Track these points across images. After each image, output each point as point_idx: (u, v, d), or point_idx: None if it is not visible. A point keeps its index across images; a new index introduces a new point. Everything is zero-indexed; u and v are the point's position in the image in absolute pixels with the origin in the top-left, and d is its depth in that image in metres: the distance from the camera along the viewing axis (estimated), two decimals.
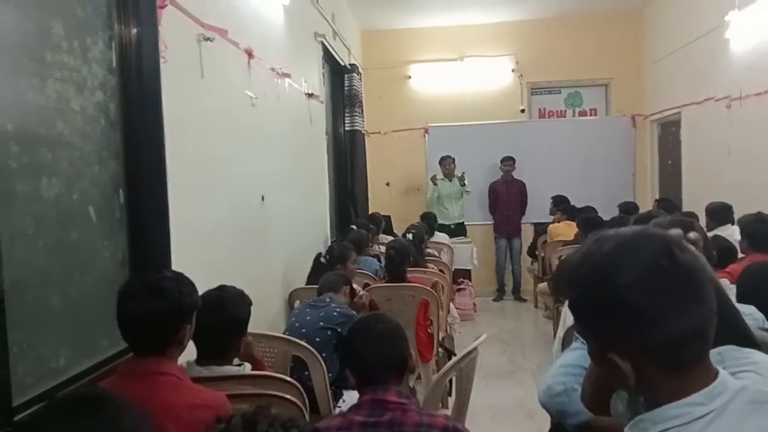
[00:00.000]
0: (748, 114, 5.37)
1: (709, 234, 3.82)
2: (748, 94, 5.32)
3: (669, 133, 7.48)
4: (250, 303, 2.14)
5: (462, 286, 6.85)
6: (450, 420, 1.67)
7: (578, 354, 1.81)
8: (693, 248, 0.96)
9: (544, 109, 8.47)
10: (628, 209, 6.13)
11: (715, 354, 1.04)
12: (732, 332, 1.40)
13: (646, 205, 7.04)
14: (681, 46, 6.73)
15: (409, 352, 1.82)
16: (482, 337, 2.74)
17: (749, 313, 1.77)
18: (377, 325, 1.82)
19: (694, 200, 6.13)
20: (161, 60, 2.33)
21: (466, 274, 6.99)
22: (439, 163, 7.54)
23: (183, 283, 1.72)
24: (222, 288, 2.12)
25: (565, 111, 8.45)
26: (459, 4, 7.27)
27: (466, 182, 7.38)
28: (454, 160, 7.49)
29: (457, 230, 7.43)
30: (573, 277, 0.97)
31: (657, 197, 7.24)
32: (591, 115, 8.36)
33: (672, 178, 7.31)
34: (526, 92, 8.25)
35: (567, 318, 3.17)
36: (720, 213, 4.77)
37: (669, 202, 6.48)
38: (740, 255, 3.68)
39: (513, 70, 8.17)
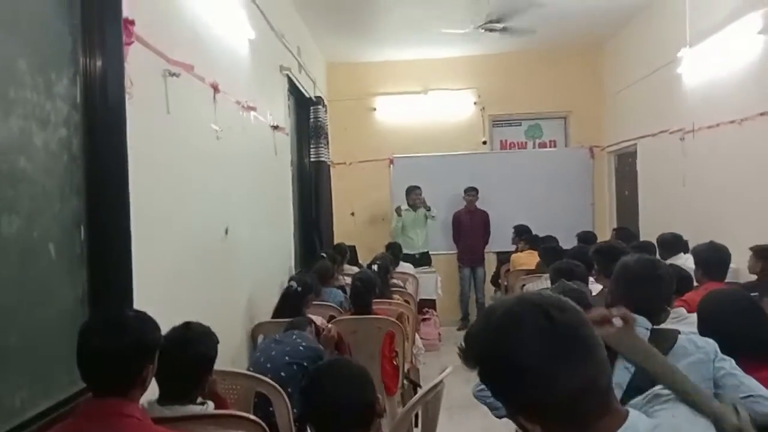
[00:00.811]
0: (701, 146, 5.58)
1: None
2: (700, 126, 5.53)
3: (626, 164, 7.70)
4: (216, 341, 2.12)
5: (427, 316, 6.88)
6: None
7: None
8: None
9: (506, 141, 8.65)
10: (587, 239, 6.27)
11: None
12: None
13: (604, 235, 7.21)
14: (637, 80, 6.99)
15: (376, 397, 1.70)
16: (448, 369, 2.74)
17: (701, 346, 1.82)
18: (342, 370, 1.71)
19: (651, 229, 6.30)
20: (126, 96, 2.33)
21: (430, 303, 7.03)
22: (407, 193, 7.63)
23: (145, 320, 1.70)
24: (187, 326, 2.09)
25: (526, 143, 8.65)
26: (423, 39, 7.43)
27: (431, 209, 7.48)
28: (420, 190, 7.58)
29: (422, 260, 7.49)
30: (472, 352, 1.02)
31: (615, 226, 7.43)
32: (551, 146, 8.58)
33: (629, 207, 7.52)
34: (487, 124, 8.43)
35: None
36: (671, 243, 4.94)
37: (626, 231, 6.65)
38: (695, 284, 3.79)
39: (475, 103, 8.35)
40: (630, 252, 3.63)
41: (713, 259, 3.85)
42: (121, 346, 1.60)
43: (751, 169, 4.79)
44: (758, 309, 2.33)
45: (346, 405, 1.62)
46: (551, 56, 8.23)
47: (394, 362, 3.92)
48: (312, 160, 6.67)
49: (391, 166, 8.15)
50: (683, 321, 2.90)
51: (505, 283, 6.68)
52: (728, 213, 5.09)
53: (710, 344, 1.82)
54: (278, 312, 4.04)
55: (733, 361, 1.79)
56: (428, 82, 8.31)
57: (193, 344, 2.03)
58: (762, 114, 4.58)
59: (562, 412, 0.95)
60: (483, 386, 1.74)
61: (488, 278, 7.80)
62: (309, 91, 6.63)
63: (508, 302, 1.02)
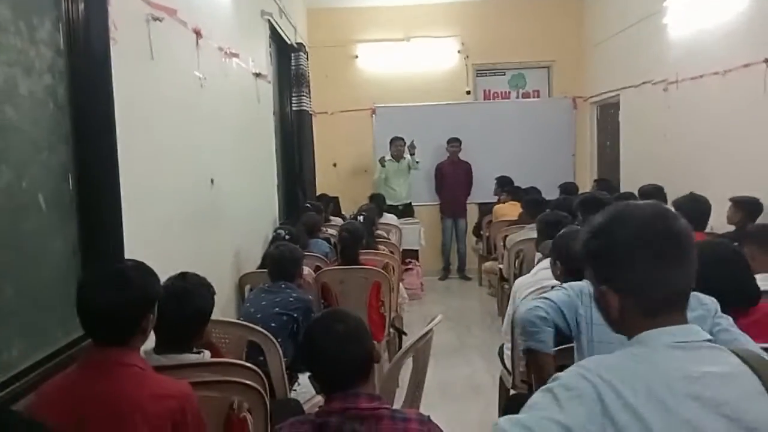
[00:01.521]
0: (684, 97, 5.60)
1: None
2: (684, 78, 5.54)
3: (608, 115, 7.72)
4: (213, 293, 2.12)
5: (410, 266, 6.95)
6: (424, 424, 1.61)
7: (562, 294, 2.21)
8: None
9: (489, 91, 8.58)
10: (569, 190, 6.34)
11: None
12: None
13: (585, 186, 7.28)
14: (620, 30, 6.93)
15: (372, 345, 1.72)
16: (437, 318, 2.78)
17: (705, 303, 1.88)
18: (337, 325, 1.68)
19: (632, 181, 6.37)
20: (111, 41, 2.26)
21: (413, 254, 7.09)
22: (390, 143, 7.58)
23: (146, 272, 1.69)
24: (184, 277, 2.09)
25: (510, 92, 8.60)
26: None
27: (416, 159, 7.47)
28: (404, 141, 7.54)
29: (405, 211, 7.52)
30: (592, 225, 1.24)
31: (596, 178, 7.49)
32: (534, 96, 8.54)
33: (610, 159, 7.57)
34: (471, 74, 8.34)
35: (518, 296, 3.28)
36: (652, 195, 5.00)
37: (607, 182, 6.72)
38: None
39: (459, 52, 8.23)
40: (613, 203, 3.67)
41: (694, 210, 3.90)
42: (123, 300, 1.60)
43: (733, 121, 4.83)
44: (741, 258, 2.40)
45: (347, 359, 1.63)
46: (535, 4, 8.11)
47: (381, 311, 3.97)
48: (294, 109, 6.57)
49: (374, 116, 8.06)
50: None
51: (487, 234, 6.75)
52: (709, 165, 5.15)
53: (713, 302, 1.88)
54: (265, 262, 4.05)
55: (731, 319, 1.86)
56: (411, 29, 8.15)
57: (191, 295, 2.03)
58: (746, 65, 4.59)
59: (646, 299, 1.16)
60: (537, 313, 2.18)
61: (470, 229, 7.86)
62: (290, 38, 6.48)
63: (636, 201, 1.27)
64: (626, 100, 7.01)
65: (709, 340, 1.15)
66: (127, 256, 2.26)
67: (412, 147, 7.49)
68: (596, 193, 5.15)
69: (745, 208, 4.09)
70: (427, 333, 2.54)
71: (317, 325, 1.75)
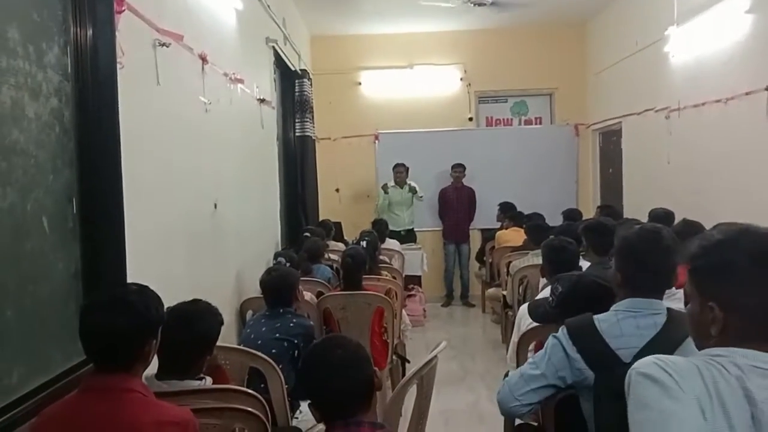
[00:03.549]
0: (686, 124, 5.61)
1: None
2: (686, 105, 5.56)
3: (610, 142, 7.74)
4: (221, 320, 2.11)
5: (412, 293, 6.91)
6: None
7: (554, 355, 2.03)
8: None
9: (492, 118, 8.63)
10: (572, 216, 6.32)
11: None
12: None
13: (588, 212, 7.26)
14: (623, 58, 6.99)
15: (373, 372, 1.68)
16: (442, 344, 2.75)
17: None
18: (337, 351, 1.65)
19: (635, 207, 6.37)
20: (118, 66, 2.27)
21: (416, 280, 7.06)
22: (393, 169, 7.61)
23: (149, 297, 1.67)
24: (194, 302, 2.08)
25: (512, 119, 8.64)
26: (408, 12, 7.34)
27: (418, 190, 7.50)
28: (407, 168, 7.56)
29: (407, 237, 7.50)
30: (708, 241, 1.26)
31: (599, 204, 7.48)
32: (536, 123, 8.58)
33: (613, 185, 7.57)
34: (473, 100, 8.40)
35: (522, 323, 3.24)
36: (662, 219, 4.99)
37: (611, 209, 6.71)
38: None
39: (461, 79, 8.30)
40: (617, 227, 3.66)
41: (689, 236, 3.87)
42: (125, 325, 1.58)
43: (736, 148, 4.84)
44: None
45: (347, 387, 1.61)
46: (537, 33, 8.19)
47: (384, 338, 3.93)
48: (297, 134, 6.60)
49: (376, 142, 8.10)
50: (672, 297, 2.93)
51: (490, 260, 6.72)
52: (712, 191, 5.14)
53: None
54: None
55: None
56: (414, 56, 8.23)
57: (196, 320, 2.02)
58: (747, 93, 4.61)
59: (752, 317, 1.19)
60: (516, 412, 2.07)
61: (473, 255, 7.83)
62: (294, 64, 6.54)
63: (748, 226, 1.28)
64: (628, 128, 7.04)
65: None
66: (129, 279, 2.24)
67: (413, 188, 7.52)
68: (601, 219, 5.13)
69: None
70: (431, 360, 2.51)
71: (316, 351, 1.72)
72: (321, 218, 6.97)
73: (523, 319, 3.18)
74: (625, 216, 6.30)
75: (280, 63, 6.00)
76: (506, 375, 2.29)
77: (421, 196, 7.56)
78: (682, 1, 5.57)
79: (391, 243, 6.62)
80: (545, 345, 2.11)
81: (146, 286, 1.71)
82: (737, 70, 4.83)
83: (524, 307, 3.41)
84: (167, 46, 2.84)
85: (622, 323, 1.99)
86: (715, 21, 5.07)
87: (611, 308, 2.05)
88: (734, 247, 1.22)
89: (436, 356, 2.57)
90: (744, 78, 4.69)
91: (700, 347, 1.27)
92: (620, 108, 7.10)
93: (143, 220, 2.52)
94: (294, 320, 3.16)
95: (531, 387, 2.06)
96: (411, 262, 6.71)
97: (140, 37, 2.62)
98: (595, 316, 2.05)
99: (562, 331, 2.06)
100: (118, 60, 2.29)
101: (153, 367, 2.01)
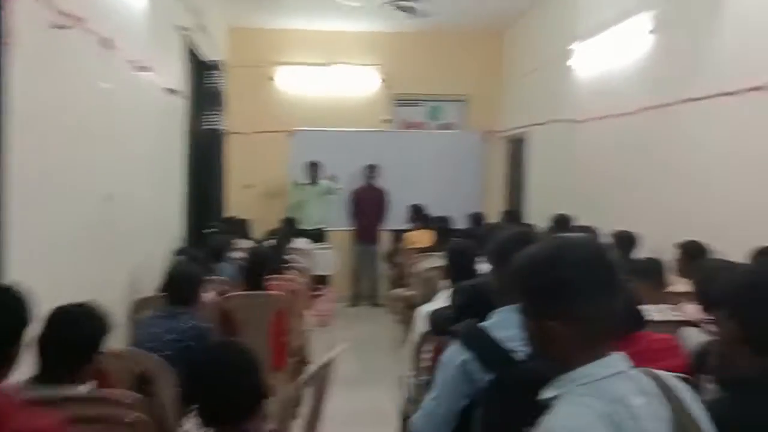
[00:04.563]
0: (589, 135, 5.89)
1: None
2: (589, 117, 5.84)
3: (518, 149, 8.01)
4: (109, 323, 2.00)
5: (320, 292, 6.88)
6: None
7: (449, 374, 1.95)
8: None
9: (408, 120, 8.74)
10: (477, 219, 6.52)
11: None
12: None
13: (494, 216, 7.49)
14: (533, 69, 7.25)
15: (264, 378, 1.66)
16: (339, 348, 2.77)
17: None
18: (224, 356, 1.63)
19: (538, 213, 6.62)
20: (6, 47, 2.12)
21: (324, 280, 7.03)
22: (306, 168, 7.54)
23: (13, 297, 1.56)
24: (80, 304, 1.97)
25: (427, 123, 8.78)
26: (329, 10, 7.31)
27: (334, 185, 7.49)
28: (321, 166, 7.52)
29: (318, 236, 7.46)
30: (531, 260, 1.27)
31: (504, 209, 7.74)
32: (450, 128, 8.75)
33: (518, 191, 7.85)
34: (390, 103, 8.47)
35: (419, 324, 3.29)
36: (561, 223, 5.27)
37: (514, 213, 6.98)
38: None
39: (380, 80, 8.35)
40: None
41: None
42: None
43: (635, 159, 5.12)
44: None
45: (234, 394, 1.58)
46: (456, 39, 8.36)
47: (284, 339, 3.89)
48: (206, 127, 6.42)
49: (291, 138, 8.01)
50: None
51: (399, 261, 6.80)
52: (613, 200, 5.41)
53: None
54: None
55: None
56: (332, 55, 8.21)
57: (83, 324, 1.92)
58: (647, 108, 4.88)
59: (589, 326, 1.21)
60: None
61: (383, 256, 7.89)
62: (208, 55, 6.36)
63: (567, 236, 1.34)
64: (534, 136, 7.31)
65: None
66: (12, 277, 2.11)
67: (333, 177, 7.49)
68: (500, 223, 5.34)
69: (618, 242, 4.32)
70: (325, 364, 2.51)
71: (204, 355, 1.70)
72: (231, 215, 6.82)
73: (420, 321, 3.23)
74: (527, 220, 6.56)
75: (192, 53, 5.81)
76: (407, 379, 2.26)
77: (340, 188, 7.54)
78: (586, 17, 5.84)
79: (301, 242, 6.57)
80: (439, 372, 2.06)
81: (11, 286, 1.60)
82: (637, 86, 5.11)
83: (421, 307, 3.47)
84: (66, 29, 2.68)
85: (509, 325, 2.03)
86: (618, 38, 5.34)
87: (494, 312, 2.07)
88: (563, 262, 1.23)
89: (331, 359, 2.58)
90: (643, 94, 4.96)
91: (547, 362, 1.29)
92: (528, 117, 7.36)
93: (29, 213, 2.38)
94: (192, 322, 3.06)
95: (441, 422, 2.04)
96: (320, 261, 6.68)
97: (35, 17, 2.46)
98: (482, 323, 2.08)
99: (453, 346, 2.07)
100: (7, 42, 2.13)
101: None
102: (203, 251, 4.34)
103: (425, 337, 3.07)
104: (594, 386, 1.18)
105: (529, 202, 7.42)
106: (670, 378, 1.28)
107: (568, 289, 1.21)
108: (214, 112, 6.41)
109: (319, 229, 7.56)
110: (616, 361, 1.22)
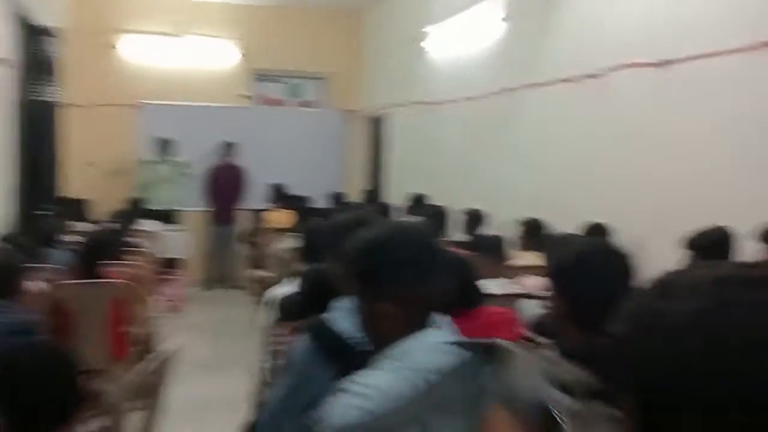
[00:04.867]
0: (443, 117, 6.04)
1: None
2: (444, 100, 5.97)
3: (378, 129, 8.07)
4: None
5: (172, 276, 6.54)
6: None
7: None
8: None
9: (267, 97, 8.49)
10: (337, 199, 6.50)
11: None
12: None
13: (356, 195, 7.52)
14: (390, 49, 7.30)
15: (81, 389, 1.52)
16: (178, 340, 2.63)
17: None
18: (28, 358, 1.48)
19: (398, 192, 6.72)
20: None
21: (177, 263, 6.70)
22: (156, 144, 7.09)
23: None
24: None
25: (288, 101, 8.59)
26: None
27: (185, 165, 7.12)
28: (173, 143, 7.10)
29: (169, 216, 7.07)
30: (364, 243, 1.30)
31: (365, 188, 7.79)
32: (311, 106, 8.63)
33: (379, 171, 7.92)
34: (250, 78, 8.18)
35: (269, 308, 3.19)
36: (418, 201, 5.41)
37: (374, 193, 7.05)
38: None
39: (240, 54, 8.03)
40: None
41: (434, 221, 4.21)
42: None
43: (484, 141, 5.32)
44: (463, 262, 2.52)
45: (38, 400, 1.44)
46: (317, 16, 8.22)
47: (123, 328, 3.63)
48: (39, 99, 5.82)
49: (139, 113, 7.48)
50: None
51: (258, 242, 6.62)
52: (465, 179, 5.60)
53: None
54: None
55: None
56: (185, 25, 7.75)
57: None
58: (495, 93, 5.07)
59: (418, 304, 1.27)
60: None
61: (241, 236, 7.65)
62: (39, 20, 5.74)
63: (397, 222, 1.48)
64: (393, 116, 7.39)
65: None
66: None
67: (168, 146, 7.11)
68: (358, 203, 5.35)
69: (467, 219, 4.52)
70: (167, 351, 2.36)
71: (9, 358, 1.51)
72: (68, 195, 6.27)
73: (270, 304, 3.13)
74: (387, 199, 6.65)
75: (21, 17, 5.21)
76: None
77: (189, 171, 7.18)
78: (441, 1, 5.95)
79: (149, 224, 6.18)
80: (287, 369, 1.98)
81: None
82: (489, 71, 5.29)
83: (272, 290, 3.37)
84: None
85: (347, 315, 2.00)
86: (470, 23, 5.48)
87: (336, 302, 2.04)
88: (394, 244, 1.28)
89: (170, 351, 2.43)
90: (494, 79, 5.14)
91: (377, 345, 1.31)
92: (387, 97, 7.42)
93: None
94: (11, 316, 2.75)
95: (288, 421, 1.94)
96: (171, 244, 6.35)
97: None
98: (325, 315, 2.03)
99: (299, 343, 2.00)
100: None
101: None
102: (31, 236, 3.93)
103: (277, 323, 2.98)
104: (406, 357, 1.23)
105: (390, 181, 7.51)
106: (502, 346, 1.29)
107: (401, 270, 1.25)
108: (47, 83, 5.82)
109: (169, 210, 7.16)
110: (433, 334, 1.26)
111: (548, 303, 1.94)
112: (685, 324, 0.59)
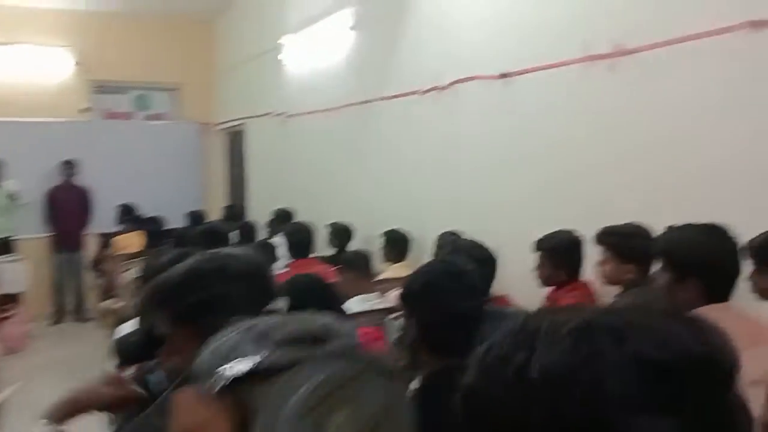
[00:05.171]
0: (301, 130, 5.92)
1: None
2: (302, 112, 5.86)
3: (236, 142, 7.79)
4: None
5: (8, 314, 5.88)
6: None
7: None
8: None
9: (112, 111, 7.90)
10: (195, 218, 6.17)
11: None
12: None
13: (217, 213, 7.19)
14: (247, 60, 7.06)
15: None
16: (15, 385, 2.33)
17: None
18: None
19: (261, 208, 6.50)
20: None
21: (14, 298, 6.03)
22: None
23: None
24: None
25: (134, 113, 8.05)
26: None
27: (18, 195, 6.43)
28: (3, 164, 6.40)
29: (4, 247, 6.36)
30: (189, 277, 1.25)
31: (226, 204, 7.48)
32: (161, 119, 8.15)
33: (239, 185, 7.64)
34: (88, 90, 7.56)
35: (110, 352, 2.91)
36: (283, 218, 5.27)
37: (234, 209, 6.79)
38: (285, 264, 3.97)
39: (75, 64, 7.38)
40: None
41: (298, 239, 4.09)
42: None
43: (341, 154, 5.28)
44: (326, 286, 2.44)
45: None
46: (162, 24, 7.74)
47: None
48: None
49: None
50: None
51: (107, 269, 6.13)
52: (329, 194, 5.50)
53: None
54: None
55: None
56: (10, 33, 7.01)
57: None
58: (349, 105, 5.03)
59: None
60: None
61: (88, 264, 7.04)
62: None
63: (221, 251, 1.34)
64: (251, 129, 7.17)
65: None
66: None
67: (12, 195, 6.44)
68: (217, 224, 5.09)
69: (335, 234, 4.47)
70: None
71: None
72: None
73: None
74: (250, 217, 6.41)
75: None
76: None
77: (24, 202, 6.50)
78: (296, 11, 5.84)
79: None
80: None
81: None
82: (340, 83, 5.24)
83: (121, 328, 3.09)
84: None
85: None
86: (324, 34, 5.41)
87: None
88: (224, 275, 1.25)
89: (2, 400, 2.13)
90: (346, 91, 5.11)
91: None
92: (244, 109, 7.18)
93: None
94: None
95: None
96: (7, 277, 5.70)
97: None
98: None
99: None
100: None
101: None
102: None
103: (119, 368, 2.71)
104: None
105: (252, 197, 7.27)
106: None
107: (227, 301, 1.21)
108: None
109: (6, 239, 6.44)
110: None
111: (402, 325, 1.91)
112: (537, 378, 0.54)
